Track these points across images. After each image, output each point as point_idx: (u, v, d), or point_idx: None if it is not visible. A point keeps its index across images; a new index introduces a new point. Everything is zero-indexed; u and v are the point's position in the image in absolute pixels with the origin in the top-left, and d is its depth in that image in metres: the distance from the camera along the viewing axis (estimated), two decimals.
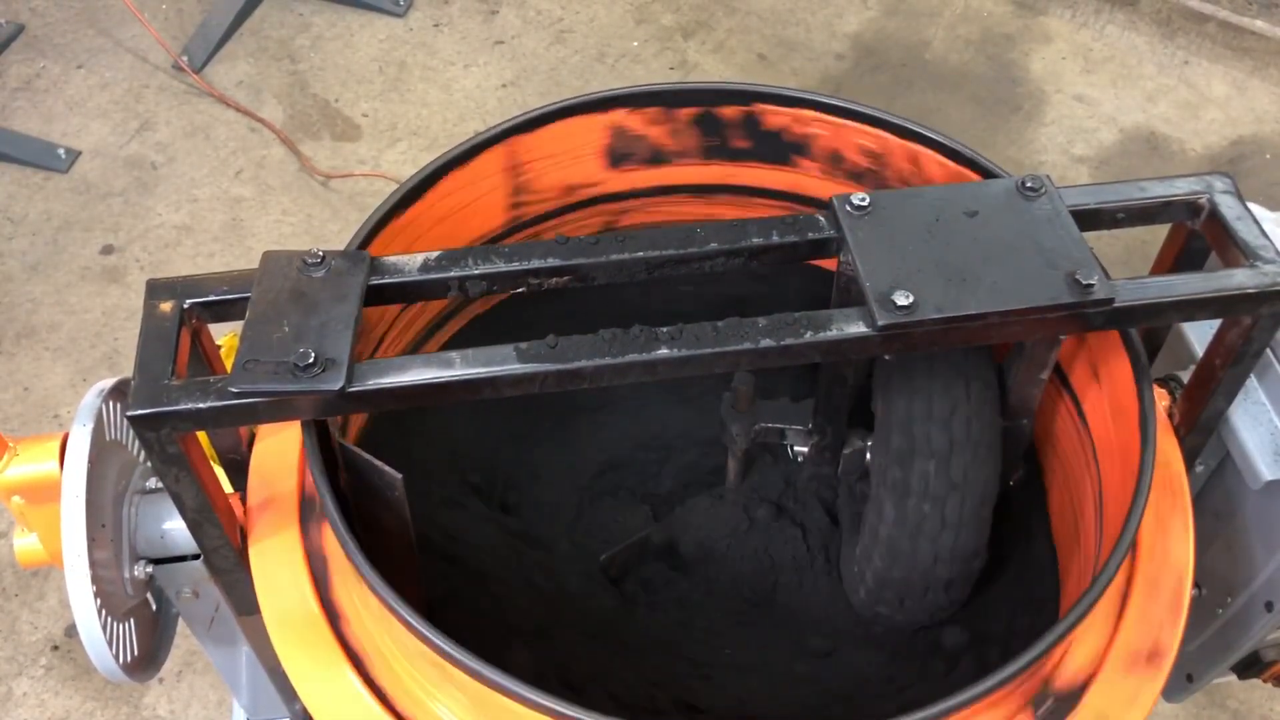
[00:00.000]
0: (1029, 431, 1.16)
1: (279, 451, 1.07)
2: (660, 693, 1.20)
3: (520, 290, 0.98)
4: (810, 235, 0.98)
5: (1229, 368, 1.01)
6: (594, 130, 1.21)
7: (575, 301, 1.11)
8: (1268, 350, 1.07)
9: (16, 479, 1.00)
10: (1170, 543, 1.01)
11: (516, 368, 0.88)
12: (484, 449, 1.37)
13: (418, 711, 0.95)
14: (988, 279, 0.91)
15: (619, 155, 1.24)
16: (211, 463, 0.98)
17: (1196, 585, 1.19)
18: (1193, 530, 1.02)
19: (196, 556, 1.05)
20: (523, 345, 0.89)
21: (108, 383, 1.05)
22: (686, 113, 1.20)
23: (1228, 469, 1.14)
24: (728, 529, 1.36)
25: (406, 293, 0.97)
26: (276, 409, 0.88)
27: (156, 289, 0.94)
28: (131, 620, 1.07)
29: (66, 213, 2.69)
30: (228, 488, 1.07)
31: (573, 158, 1.23)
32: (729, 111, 1.19)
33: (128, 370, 0.90)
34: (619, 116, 1.20)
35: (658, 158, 1.24)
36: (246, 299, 0.92)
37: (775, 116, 1.19)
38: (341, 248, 0.98)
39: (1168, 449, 1.07)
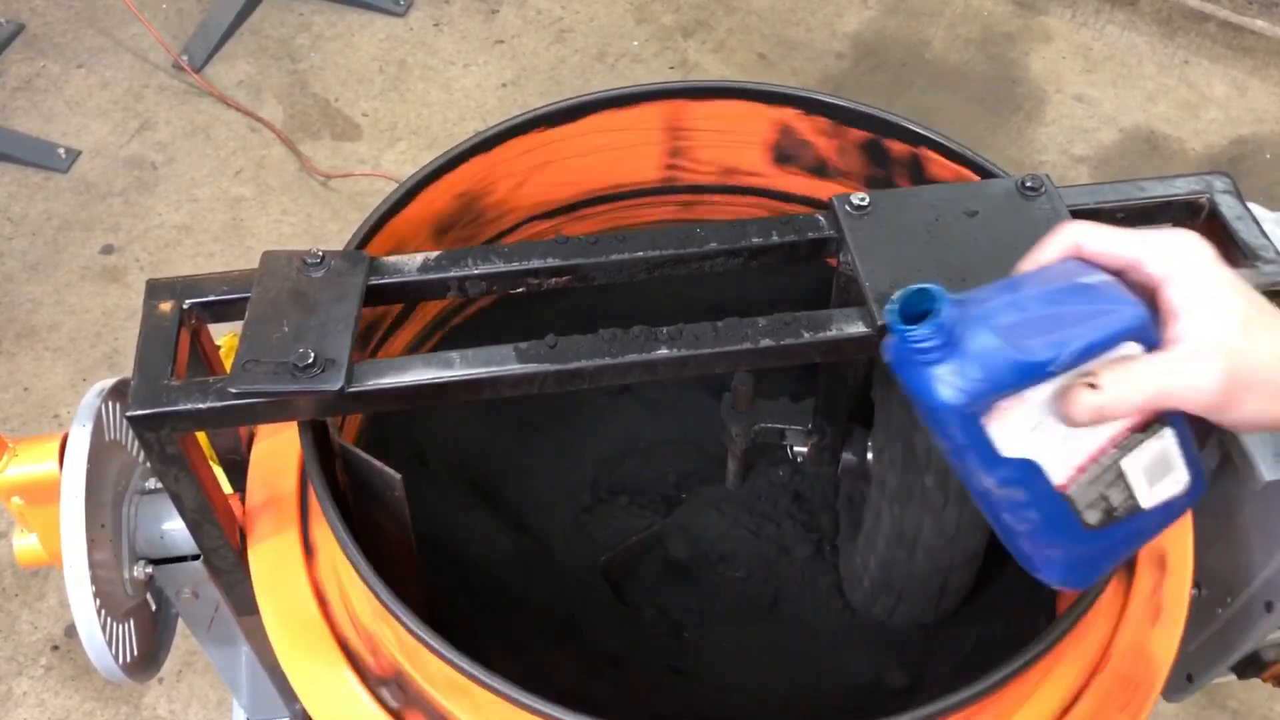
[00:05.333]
0: None
1: (278, 451, 1.07)
2: (660, 693, 1.20)
3: (520, 290, 0.98)
4: (810, 235, 0.98)
5: None
6: (761, 121, 1.20)
7: (577, 300, 1.11)
8: None
9: (16, 479, 1.00)
10: (1169, 543, 1.01)
11: (516, 368, 0.88)
12: (484, 449, 1.37)
13: (418, 711, 0.95)
14: (988, 279, 0.91)
15: (784, 154, 1.22)
16: (211, 463, 0.98)
17: (1196, 585, 1.18)
18: (1192, 530, 1.02)
19: (196, 557, 1.05)
20: (522, 345, 0.89)
21: (107, 383, 1.05)
22: (856, 135, 1.18)
23: (1228, 469, 1.14)
24: (728, 529, 1.36)
25: (406, 293, 0.97)
26: (276, 409, 0.88)
27: (156, 289, 0.94)
28: (131, 620, 1.07)
29: (66, 213, 2.69)
30: (227, 488, 1.07)
31: (736, 140, 1.22)
32: (897, 147, 1.16)
33: (128, 370, 0.90)
34: (788, 115, 1.19)
35: (822, 170, 1.22)
36: (246, 299, 0.92)
37: (939, 168, 1.14)
38: (341, 247, 0.98)
39: None
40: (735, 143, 1.22)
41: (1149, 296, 0.71)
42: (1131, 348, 0.70)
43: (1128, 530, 0.78)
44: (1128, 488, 0.76)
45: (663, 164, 1.24)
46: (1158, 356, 0.68)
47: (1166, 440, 0.75)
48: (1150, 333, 0.70)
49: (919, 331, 0.68)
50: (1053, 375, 0.69)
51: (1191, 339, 0.68)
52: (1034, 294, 0.71)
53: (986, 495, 0.75)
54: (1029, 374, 0.69)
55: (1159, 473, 0.77)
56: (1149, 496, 0.77)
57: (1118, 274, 0.72)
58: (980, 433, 0.71)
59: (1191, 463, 0.77)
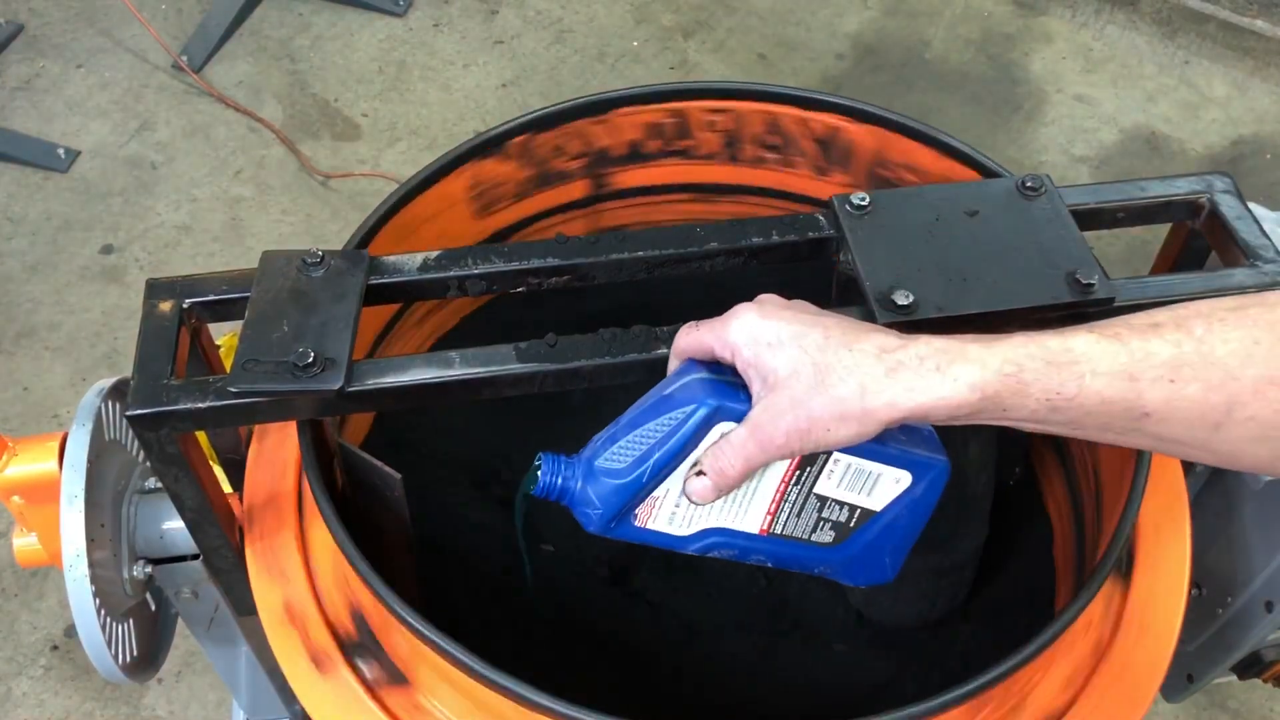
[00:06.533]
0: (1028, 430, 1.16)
1: (277, 451, 1.07)
2: (660, 692, 1.20)
3: (520, 290, 0.98)
4: (810, 235, 0.98)
5: None
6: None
7: (576, 300, 1.11)
8: None
9: (16, 479, 1.00)
10: (1169, 543, 1.01)
11: (516, 367, 0.88)
12: (484, 448, 1.37)
13: (417, 712, 0.95)
14: (988, 279, 0.91)
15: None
16: (211, 462, 0.98)
17: (1196, 585, 1.19)
18: (1192, 530, 1.02)
19: (196, 556, 1.05)
20: (522, 345, 0.89)
21: (107, 382, 1.05)
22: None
23: (1228, 469, 1.14)
24: None
25: (406, 292, 0.97)
26: (276, 409, 0.88)
27: (156, 288, 0.94)
28: (131, 620, 1.07)
29: (66, 213, 2.69)
30: (227, 488, 1.06)
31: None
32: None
33: (127, 370, 0.90)
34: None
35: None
36: (246, 299, 0.92)
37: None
38: (341, 247, 0.98)
39: None
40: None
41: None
42: (728, 426, 0.78)
43: (881, 526, 0.84)
44: (843, 504, 0.83)
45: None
46: (738, 430, 0.77)
47: (844, 461, 0.81)
48: (732, 410, 0.78)
49: (533, 491, 0.82)
50: (653, 484, 0.80)
51: (756, 404, 0.77)
52: (627, 420, 0.81)
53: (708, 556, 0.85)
54: (632, 491, 0.80)
55: (865, 483, 0.82)
56: (874, 501, 0.83)
57: (716, 362, 0.80)
58: (645, 531, 0.83)
59: (899, 459, 0.82)
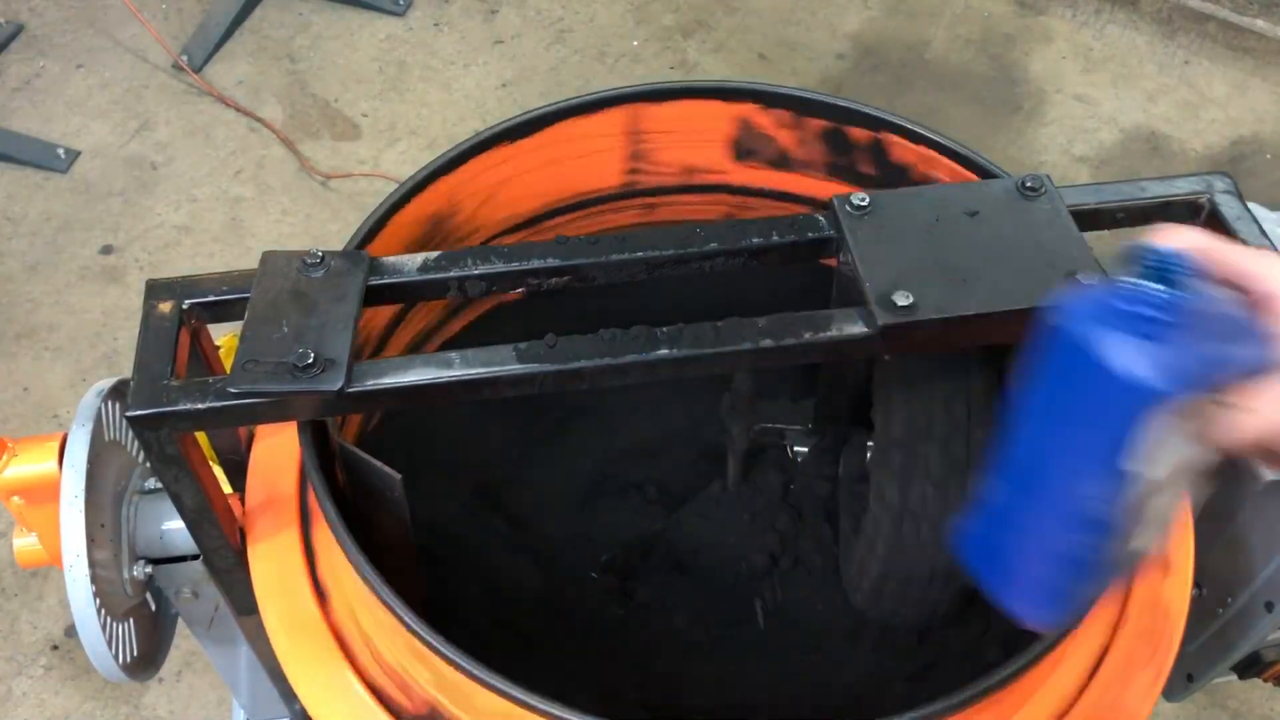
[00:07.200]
0: None
1: (278, 451, 1.07)
2: (660, 694, 1.20)
3: (520, 290, 0.98)
4: (810, 235, 0.98)
5: None
6: (720, 118, 1.21)
7: (577, 300, 1.11)
8: None
9: (16, 479, 1.00)
10: (1171, 543, 1.01)
11: (516, 368, 0.88)
12: (484, 449, 1.37)
13: (419, 712, 0.95)
14: (988, 279, 0.91)
15: (744, 149, 1.23)
16: (211, 463, 0.98)
17: (1196, 585, 1.18)
18: (1193, 530, 1.02)
19: (196, 557, 1.05)
20: (522, 345, 0.89)
21: (107, 383, 1.05)
22: (816, 124, 1.19)
23: (1228, 470, 1.14)
24: (728, 529, 1.36)
25: (406, 293, 0.97)
26: (276, 409, 0.88)
27: (156, 289, 0.94)
28: (131, 620, 1.07)
29: (66, 213, 2.69)
30: (227, 488, 1.06)
31: (696, 139, 1.23)
32: (858, 134, 1.17)
33: (127, 370, 0.90)
34: (748, 110, 1.20)
35: (782, 162, 1.23)
36: (246, 299, 0.92)
37: (902, 150, 1.16)
38: (341, 247, 0.98)
39: None
40: (695, 141, 1.23)
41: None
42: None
43: (1100, 571, 0.74)
44: (1145, 529, 0.71)
45: (624, 169, 1.25)
46: None
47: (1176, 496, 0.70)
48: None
49: (1163, 295, 0.60)
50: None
51: None
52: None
53: (1058, 509, 0.70)
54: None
55: (1157, 523, 0.72)
56: (1141, 542, 0.72)
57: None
58: (1132, 432, 0.63)
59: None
